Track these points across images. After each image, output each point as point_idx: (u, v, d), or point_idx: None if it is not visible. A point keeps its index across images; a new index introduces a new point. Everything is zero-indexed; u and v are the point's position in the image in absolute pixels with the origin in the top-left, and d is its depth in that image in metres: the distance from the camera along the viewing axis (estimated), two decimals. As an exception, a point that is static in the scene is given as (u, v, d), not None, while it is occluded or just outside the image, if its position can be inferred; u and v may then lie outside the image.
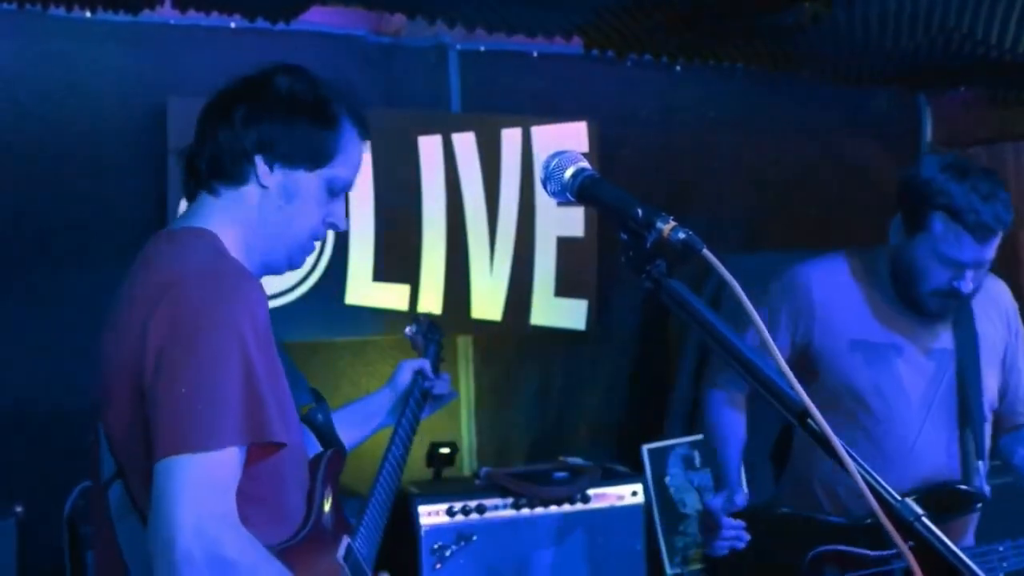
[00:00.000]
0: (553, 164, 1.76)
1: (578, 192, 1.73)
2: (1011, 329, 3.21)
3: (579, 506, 4.59)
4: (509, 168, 5.15)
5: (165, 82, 4.53)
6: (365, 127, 2.20)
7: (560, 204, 4.84)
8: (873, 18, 4.29)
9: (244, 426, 1.84)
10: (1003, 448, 3.19)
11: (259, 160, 2.08)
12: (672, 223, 1.61)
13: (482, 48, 5.12)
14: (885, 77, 5.43)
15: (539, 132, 5.17)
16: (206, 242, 2.06)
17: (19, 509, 3.62)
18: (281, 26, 4.58)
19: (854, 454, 1.42)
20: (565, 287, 5.27)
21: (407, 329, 3.21)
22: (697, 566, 4.94)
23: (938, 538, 1.37)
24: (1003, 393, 3.19)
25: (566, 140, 5.14)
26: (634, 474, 4.91)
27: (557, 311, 5.26)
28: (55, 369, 4.31)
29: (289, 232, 2.14)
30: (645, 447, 5.06)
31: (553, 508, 4.55)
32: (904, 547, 1.35)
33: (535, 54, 5.20)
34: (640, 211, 1.63)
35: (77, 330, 4.33)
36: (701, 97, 5.65)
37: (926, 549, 1.37)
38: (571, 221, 5.28)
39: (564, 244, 5.26)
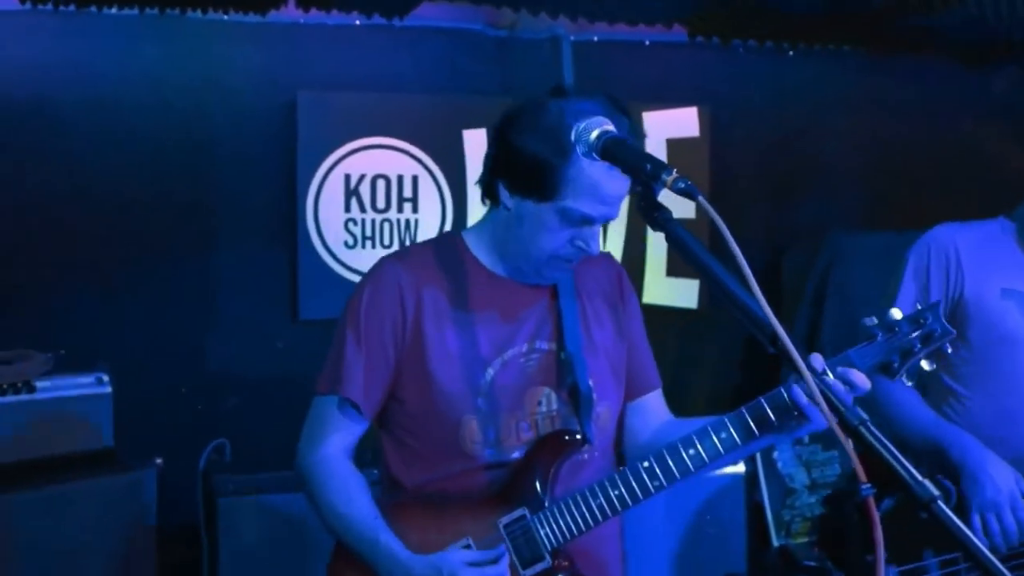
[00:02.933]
0: (581, 127, 2.01)
1: (601, 150, 1.98)
2: None
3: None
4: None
5: (295, 77, 4.88)
6: (615, 157, 2.00)
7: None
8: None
9: (332, 381, 2.36)
10: None
11: (500, 186, 2.30)
12: (675, 175, 1.84)
13: (595, 38, 5.30)
14: (1006, 55, 5.36)
15: (650, 117, 5.33)
16: (428, 243, 2.48)
17: (159, 461, 3.92)
18: (399, 22, 4.86)
19: (811, 364, 1.61)
20: (677, 268, 5.42)
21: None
22: (803, 539, 5.02)
23: (883, 444, 1.55)
24: None
25: (677, 125, 5.30)
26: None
27: (669, 290, 5.43)
28: (194, 337, 4.76)
29: (526, 250, 2.30)
30: (753, 421, 5.14)
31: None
32: (848, 447, 1.54)
33: (647, 43, 5.37)
34: (649, 165, 1.86)
35: (213, 304, 4.80)
36: (814, 80, 5.68)
37: (872, 454, 1.55)
38: (683, 203, 5.33)
39: (684, 227, 5.38)
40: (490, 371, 2.34)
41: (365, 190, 5.02)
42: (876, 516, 1.50)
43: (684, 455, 2.23)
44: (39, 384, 3.78)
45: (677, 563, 4.63)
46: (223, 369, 4.76)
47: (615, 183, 2.18)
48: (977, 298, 3.03)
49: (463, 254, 2.41)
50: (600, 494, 2.26)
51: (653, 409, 2.58)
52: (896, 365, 2.20)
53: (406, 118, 5.06)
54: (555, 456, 2.33)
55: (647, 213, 1.90)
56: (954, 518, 1.47)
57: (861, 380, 2.09)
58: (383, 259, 2.43)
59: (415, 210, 5.10)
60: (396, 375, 2.36)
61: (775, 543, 5.02)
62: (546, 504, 2.29)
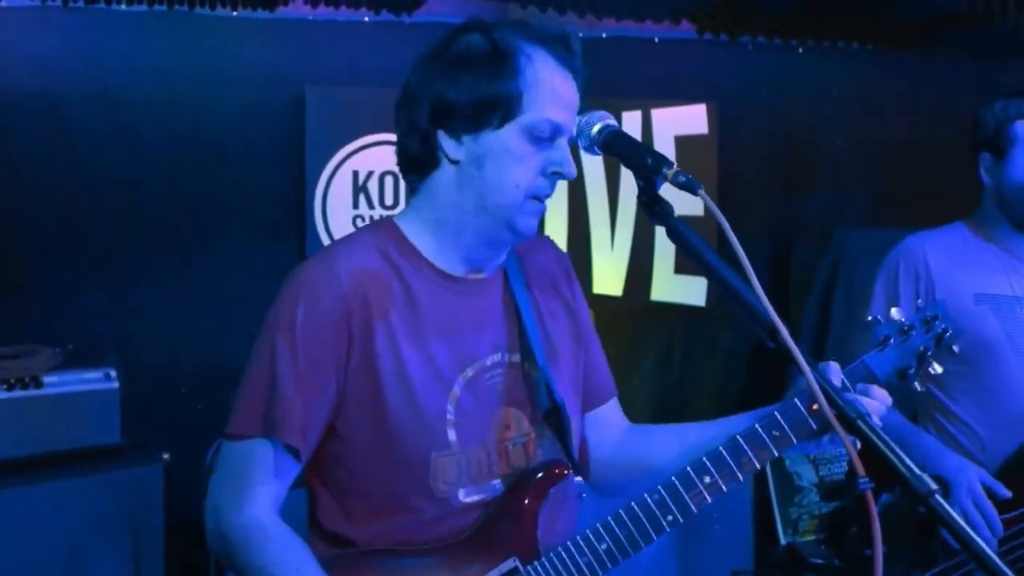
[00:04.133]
0: (583, 121, 2.00)
1: (603, 144, 1.97)
2: None
3: (689, 471, 4.73)
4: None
5: (303, 73, 4.89)
6: (563, 52, 1.97)
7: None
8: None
9: (260, 420, 1.92)
10: None
11: (442, 136, 1.97)
12: (675, 168, 1.83)
13: (604, 35, 5.30)
14: (1013, 52, 5.36)
15: (659, 115, 5.33)
16: (354, 236, 2.06)
17: (166, 456, 3.90)
18: (408, 18, 4.87)
19: (811, 361, 1.60)
20: (685, 264, 5.40)
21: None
22: (811, 537, 5.02)
23: (880, 437, 1.55)
24: None
25: (686, 122, 5.29)
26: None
27: (677, 287, 5.42)
28: (201, 333, 4.76)
29: (494, 200, 1.96)
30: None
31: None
32: (847, 440, 1.54)
33: (656, 40, 5.36)
34: (649, 159, 1.85)
35: (221, 299, 4.79)
36: (823, 76, 5.69)
37: (869, 448, 1.54)
38: (691, 199, 5.38)
39: (684, 222, 5.38)
40: (455, 393, 1.99)
41: (374, 187, 5.02)
42: (874, 510, 1.50)
43: (699, 483, 1.96)
44: (46, 379, 3.75)
45: (683, 561, 4.62)
46: (231, 365, 4.72)
47: (568, 84, 1.99)
48: (952, 307, 3.02)
49: (403, 247, 2.02)
50: (606, 536, 1.96)
51: (611, 420, 2.30)
52: (912, 371, 2.10)
53: (414, 114, 5.03)
54: (541, 491, 2.02)
55: (648, 207, 1.91)
56: (952, 512, 1.46)
57: (883, 397, 1.97)
58: (313, 262, 1.99)
59: (423, 207, 5.07)
60: (337, 409, 1.95)
61: (782, 541, 5.02)
62: (540, 550, 1.99)
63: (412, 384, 1.95)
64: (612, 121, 2.01)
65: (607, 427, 2.29)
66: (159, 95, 4.71)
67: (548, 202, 2.03)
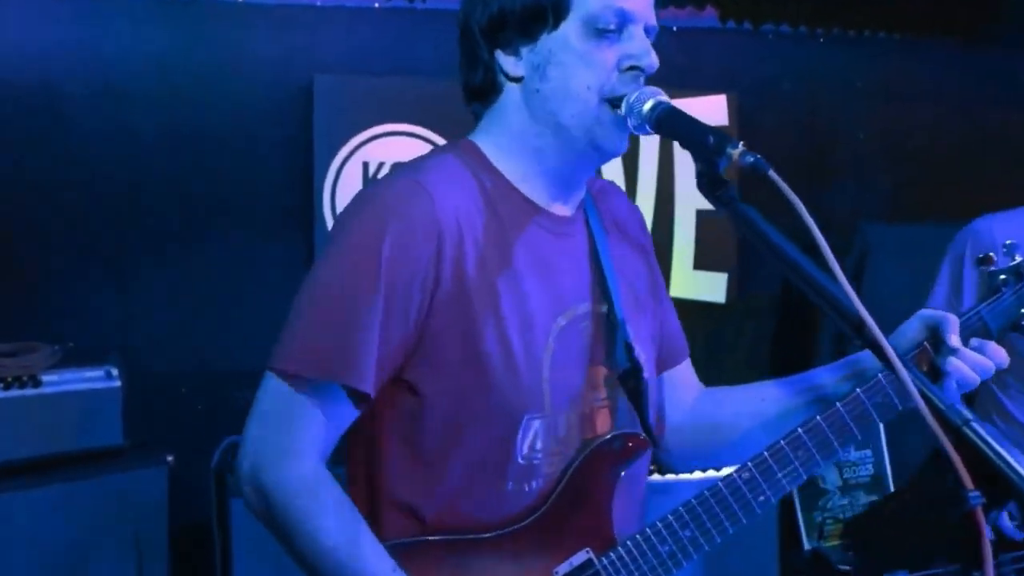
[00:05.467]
0: (633, 98, 1.80)
1: (656, 123, 1.78)
2: None
3: (711, 473, 4.59)
4: (648, 141, 5.17)
5: (311, 61, 4.72)
6: (673, 130, 1.77)
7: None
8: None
9: (327, 358, 1.68)
10: None
11: (500, 56, 1.82)
12: (741, 147, 1.66)
13: (622, 23, 5.14)
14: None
15: (678, 105, 5.16)
16: (435, 155, 1.88)
17: (170, 459, 3.76)
18: (421, 4, 4.72)
19: (905, 360, 1.43)
20: (704, 260, 5.27)
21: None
22: (835, 542, 4.88)
23: (987, 443, 1.38)
24: None
25: (705, 113, 5.12)
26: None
27: (696, 284, 5.27)
28: (205, 330, 4.60)
29: (566, 110, 1.78)
30: (785, 419, 5.00)
31: (684, 476, 4.55)
32: (950, 449, 1.37)
33: (675, 28, 5.20)
34: (712, 138, 1.68)
35: (227, 296, 4.63)
36: (845, 67, 5.54)
37: (974, 455, 1.38)
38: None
39: (703, 217, 5.25)
40: (550, 345, 1.78)
41: (384, 178, 4.84)
42: (985, 528, 1.33)
43: (794, 459, 1.79)
44: (45, 378, 3.60)
45: (706, 567, 4.47)
46: (237, 363, 4.59)
47: None
48: None
49: (488, 170, 1.83)
50: (690, 521, 1.77)
51: (686, 382, 2.13)
52: None
53: (427, 104, 4.87)
54: (616, 469, 1.82)
55: (710, 191, 1.71)
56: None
57: (1000, 356, 1.80)
58: (395, 179, 1.78)
59: (435, 199, 4.93)
60: (414, 350, 1.72)
61: (807, 546, 4.88)
62: (616, 539, 1.80)
63: (509, 333, 1.74)
64: (665, 97, 1.82)
65: (682, 389, 2.11)
66: (160, 85, 4.55)
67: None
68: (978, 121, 5.73)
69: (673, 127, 1.77)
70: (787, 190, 1.58)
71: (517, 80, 1.82)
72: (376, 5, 4.79)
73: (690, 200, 5.25)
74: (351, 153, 4.79)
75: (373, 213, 1.73)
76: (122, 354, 3.91)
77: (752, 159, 1.63)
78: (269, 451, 1.73)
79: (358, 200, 1.79)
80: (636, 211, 2.12)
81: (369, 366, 1.68)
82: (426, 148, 4.89)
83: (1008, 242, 1.99)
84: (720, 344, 5.42)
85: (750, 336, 5.48)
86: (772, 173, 1.61)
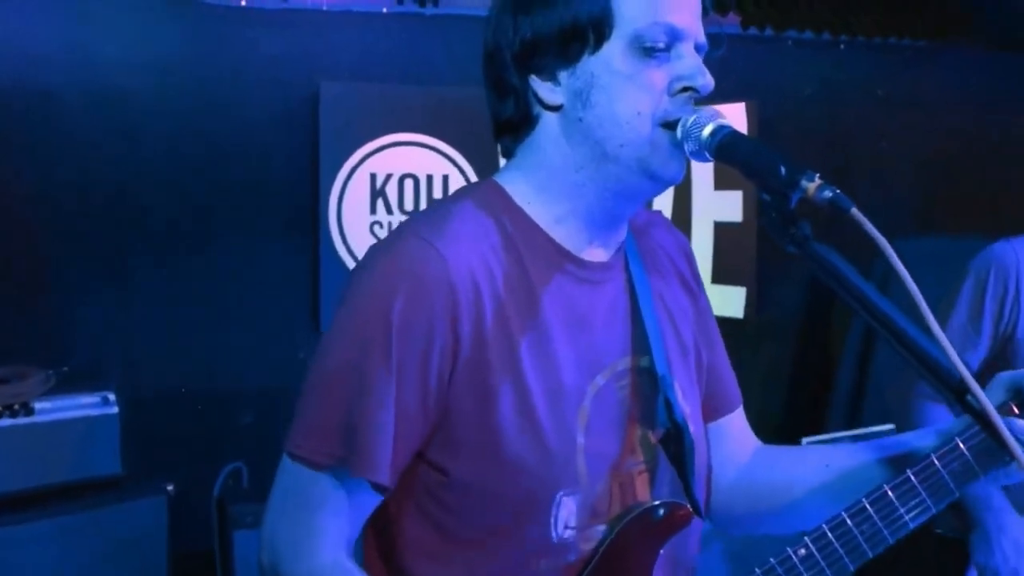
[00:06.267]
0: (691, 122, 1.59)
1: (717, 150, 1.56)
2: None
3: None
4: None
5: (318, 67, 4.58)
6: (736, 159, 1.55)
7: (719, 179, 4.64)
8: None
9: (340, 447, 1.52)
10: None
11: (535, 83, 1.61)
12: (818, 181, 1.46)
13: (641, 28, 5.00)
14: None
15: (694, 107, 5.02)
16: (453, 202, 1.65)
17: (170, 488, 3.62)
18: (432, 9, 4.56)
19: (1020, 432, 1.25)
20: (722, 274, 5.11)
21: None
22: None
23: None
24: None
25: (703, 107, 4.98)
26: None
27: (714, 298, 5.03)
28: (208, 350, 4.44)
29: (615, 139, 1.58)
30: (805, 440, 4.84)
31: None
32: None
33: (694, 34, 5.05)
34: (784, 168, 1.47)
35: (229, 313, 4.46)
36: (867, 74, 5.41)
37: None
38: (729, 205, 5.10)
39: (722, 229, 5.09)
40: (585, 409, 1.60)
41: (392, 190, 4.71)
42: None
43: (856, 534, 1.61)
44: (38, 406, 3.46)
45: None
46: (239, 384, 4.45)
47: None
48: None
49: (516, 216, 1.63)
50: None
51: (738, 435, 1.92)
52: None
53: (437, 113, 4.74)
54: (657, 542, 1.64)
55: (779, 229, 1.49)
56: None
57: None
58: (406, 237, 1.56)
59: (446, 212, 4.77)
60: (435, 431, 1.55)
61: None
62: None
63: (534, 404, 1.55)
64: (726, 121, 1.61)
65: (733, 443, 1.91)
66: (161, 91, 4.40)
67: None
68: (1004, 128, 5.58)
69: (737, 155, 1.55)
70: (875, 232, 1.40)
71: (555, 109, 1.62)
72: (384, 10, 4.63)
73: (708, 211, 5.09)
74: (358, 164, 4.65)
75: (383, 278, 1.54)
76: (120, 376, 3.79)
77: (831, 194, 1.43)
78: (287, 542, 1.58)
79: (367, 261, 1.59)
80: (684, 244, 1.91)
81: (384, 455, 1.51)
82: (437, 159, 4.77)
83: None
84: (737, 361, 5.21)
85: (769, 352, 5.32)
86: (855, 211, 1.42)
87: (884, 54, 5.38)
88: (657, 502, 1.65)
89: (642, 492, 1.66)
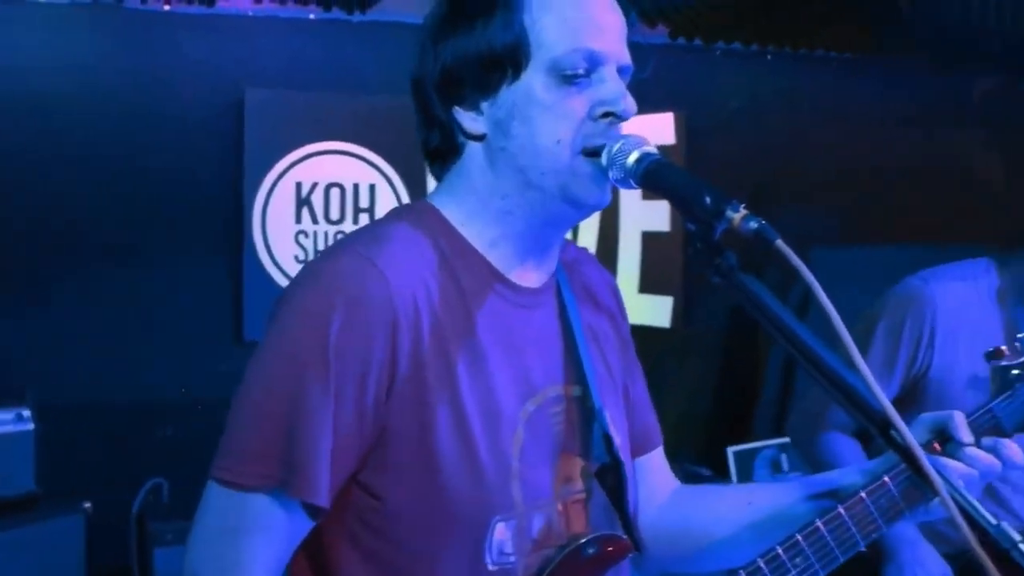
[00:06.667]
0: (616, 148, 1.57)
1: (643, 178, 1.54)
2: None
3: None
4: (592, 158, 5.04)
5: (243, 73, 4.53)
6: (662, 187, 1.53)
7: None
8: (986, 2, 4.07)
9: (272, 469, 1.46)
10: None
11: (458, 113, 1.59)
12: (743, 211, 1.43)
13: (567, 38, 4.99)
14: (989, 61, 5.19)
15: (624, 124, 5.02)
16: (387, 222, 1.62)
17: (87, 505, 3.55)
18: (360, 17, 4.51)
19: (942, 469, 1.25)
20: (650, 284, 5.13)
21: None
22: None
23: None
24: None
25: (652, 132, 4.96)
26: (718, 477, 4.74)
27: (640, 308, 5.11)
28: (127, 362, 4.35)
29: (536, 168, 1.56)
30: (731, 449, 4.88)
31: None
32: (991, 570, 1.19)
33: (622, 44, 5.06)
34: (709, 198, 1.45)
35: (149, 325, 4.38)
36: (793, 86, 5.47)
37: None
38: (656, 215, 5.12)
39: (649, 239, 5.11)
40: (519, 435, 1.57)
41: (318, 199, 4.66)
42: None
43: (790, 567, 1.61)
44: (-52, 424, 3.38)
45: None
46: (159, 397, 4.37)
47: None
48: (939, 382, 2.72)
49: (450, 237, 1.60)
50: None
51: (659, 474, 1.89)
52: None
53: (364, 121, 4.71)
54: (597, 573, 1.62)
55: (704, 259, 1.48)
56: None
57: (1017, 456, 1.64)
58: (342, 253, 1.53)
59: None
60: (370, 452, 1.50)
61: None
62: None
63: (471, 428, 1.52)
64: (651, 148, 1.60)
65: (654, 482, 1.86)
66: (83, 97, 4.34)
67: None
68: (927, 142, 5.67)
69: (663, 183, 1.54)
70: (799, 264, 1.38)
71: (479, 138, 1.60)
72: (312, 16, 4.57)
73: (635, 221, 5.11)
74: (283, 172, 4.60)
75: (320, 293, 1.48)
76: (35, 391, 3.69)
77: (756, 225, 1.41)
78: (214, 572, 1.50)
79: (302, 277, 1.55)
80: (611, 281, 1.90)
81: (322, 475, 1.45)
82: (364, 168, 4.73)
83: (1020, 335, 1.86)
84: (664, 371, 5.27)
85: (695, 362, 5.35)
86: (780, 243, 1.40)
87: (811, 66, 5.43)
88: (596, 535, 1.63)
89: (579, 522, 1.64)
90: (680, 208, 1.50)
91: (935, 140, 5.69)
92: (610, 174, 1.57)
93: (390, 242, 1.53)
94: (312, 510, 1.47)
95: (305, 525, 1.50)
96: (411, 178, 4.77)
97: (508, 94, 1.56)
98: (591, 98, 1.55)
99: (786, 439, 4.77)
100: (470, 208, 1.62)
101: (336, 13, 4.45)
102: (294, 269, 4.55)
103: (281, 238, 4.58)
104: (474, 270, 1.59)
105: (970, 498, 1.26)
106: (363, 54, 4.65)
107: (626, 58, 1.60)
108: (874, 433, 1.34)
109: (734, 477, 4.79)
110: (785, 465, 4.89)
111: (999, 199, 5.87)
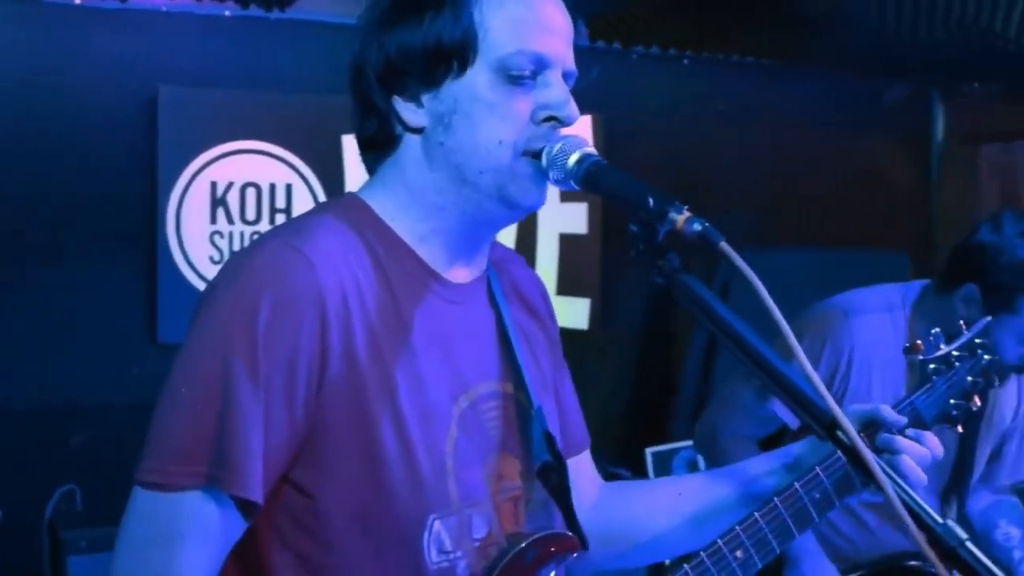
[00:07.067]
0: (556, 149, 1.57)
1: (583, 180, 1.55)
2: (1021, 396, 3.04)
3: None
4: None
5: (157, 71, 4.42)
6: (603, 188, 1.54)
7: (564, 192, 4.66)
8: (891, 8, 4.15)
9: (201, 465, 1.40)
10: (983, 517, 3.04)
11: (398, 103, 1.57)
12: (687, 213, 1.45)
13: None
14: (901, 70, 5.31)
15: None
16: (314, 214, 1.59)
17: None
18: (276, 14, 4.44)
19: (890, 471, 1.27)
20: (567, 285, 5.15)
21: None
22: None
23: (984, 566, 1.23)
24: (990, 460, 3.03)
25: (570, 133, 5.01)
26: (637, 478, 4.77)
27: (558, 310, 5.05)
28: (36, 363, 4.22)
29: (474, 167, 1.55)
30: (649, 450, 4.91)
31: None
32: (940, 570, 1.21)
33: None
34: (652, 200, 1.47)
35: (59, 326, 4.26)
36: (710, 90, 5.53)
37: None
38: (574, 218, 5.15)
39: (567, 241, 5.12)
40: (452, 431, 1.55)
41: (233, 199, 4.58)
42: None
43: (730, 559, 1.65)
44: None
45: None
46: (70, 401, 4.24)
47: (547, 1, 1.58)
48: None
49: (380, 230, 1.59)
50: None
51: (587, 475, 1.90)
52: (955, 413, 1.85)
53: (280, 120, 4.64)
54: (536, 570, 1.59)
55: (647, 260, 1.48)
56: None
57: (937, 446, 1.68)
58: (270, 243, 1.50)
59: (289, 222, 4.66)
60: (302, 448, 1.46)
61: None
62: None
63: (408, 428, 1.49)
64: (592, 149, 1.60)
65: (584, 484, 1.85)
66: (-12, 92, 4.19)
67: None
68: (840, 147, 5.78)
69: (604, 185, 1.54)
70: (744, 267, 1.39)
71: (417, 131, 1.58)
72: (227, 13, 4.48)
73: (553, 223, 5.12)
74: (198, 171, 4.51)
75: (245, 284, 1.45)
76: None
77: (700, 227, 1.42)
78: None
79: (226, 270, 1.51)
80: (540, 282, 1.91)
81: (255, 471, 1.41)
82: (280, 168, 4.66)
83: (934, 330, 1.94)
84: (582, 372, 5.24)
85: (613, 363, 5.38)
86: (724, 245, 1.42)
87: (728, 71, 5.50)
88: (541, 535, 1.62)
89: (513, 520, 1.63)
90: (623, 209, 1.51)
91: (848, 146, 5.80)
92: (550, 175, 1.57)
93: (315, 232, 1.51)
94: (246, 507, 1.43)
95: (239, 525, 1.46)
96: (328, 179, 4.71)
97: (451, 89, 1.55)
98: (535, 100, 1.56)
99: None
100: (401, 202, 1.60)
101: (253, 10, 4.38)
102: (209, 270, 4.46)
103: (196, 239, 4.48)
104: (403, 264, 1.58)
105: (916, 497, 1.27)
106: (280, 52, 4.58)
107: (571, 63, 1.62)
108: (821, 434, 1.35)
109: (652, 478, 4.83)
110: (702, 466, 4.93)
111: (909, 204, 6.02)
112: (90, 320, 4.31)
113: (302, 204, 4.66)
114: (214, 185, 4.53)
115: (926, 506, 1.27)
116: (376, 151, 1.63)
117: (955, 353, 1.90)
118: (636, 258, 1.50)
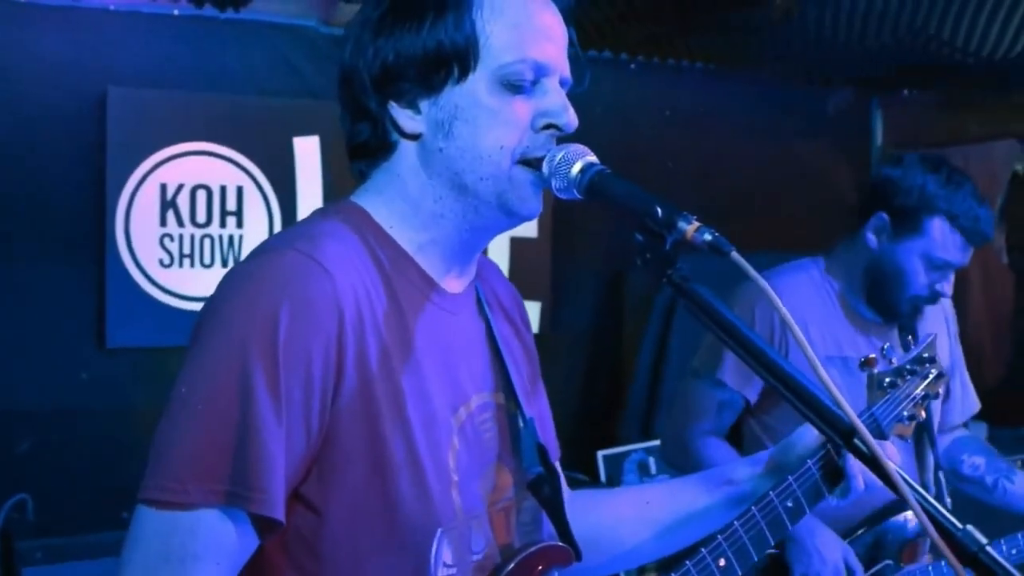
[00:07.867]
0: (559, 158, 1.58)
1: (587, 189, 1.56)
2: (950, 334, 3.16)
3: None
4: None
5: (105, 71, 4.33)
6: (608, 197, 1.55)
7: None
8: (843, 17, 4.22)
9: (218, 482, 1.36)
10: (947, 455, 3.13)
11: (394, 109, 1.56)
12: (696, 223, 1.47)
13: (435, 41, 4.96)
14: (847, 78, 5.39)
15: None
16: (322, 219, 1.57)
17: None
18: (229, 14, 4.38)
19: (908, 478, 1.29)
20: (518, 289, 5.13)
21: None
22: None
23: (1004, 568, 1.25)
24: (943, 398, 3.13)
25: (570, 143, 5.02)
26: (588, 481, 4.78)
27: (509, 314, 5.12)
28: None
29: (474, 172, 1.54)
30: (600, 453, 4.93)
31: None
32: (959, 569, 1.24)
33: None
34: (660, 209, 1.47)
35: (5, 330, 4.16)
36: (655, 95, 5.57)
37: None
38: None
39: (517, 245, 5.12)
40: (454, 443, 1.54)
41: (183, 202, 4.50)
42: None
43: (714, 567, 1.70)
44: None
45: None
46: (17, 407, 4.14)
47: (545, 9, 1.58)
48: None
49: (382, 240, 1.57)
50: None
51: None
52: (907, 421, 1.94)
53: (231, 122, 4.58)
54: None
55: (655, 270, 1.48)
56: None
57: (896, 455, 1.70)
58: (284, 247, 1.46)
59: (239, 225, 4.60)
60: (314, 462, 1.43)
61: (624, 582, 4.80)
62: None
63: (414, 437, 1.48)
64: (594, 158, 1.61)
65: None
66: (-71, 91, 4.07)
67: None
68: (785, 152, 5.85)
69: (610, 194, 1.55)
70: (756, 275, 1.41)
71: (413, 138, 1.57)
72: (176, 12, 4.41)
73: (503, 227, 5.13)
74: (148, 173, 4.42)
75: (261, 292, 1.40)
76: None
77: (711, 237, 1.44)
78: None
79: (234, 279, 1.46)
80: (517, 293, 1.92)
81: (277, 484, 1.37)
82: (231, 170, 4.59)
83: (884, 346, 2.06)
84: (534, 375, 5.29)
85: (563, 366, 5.37)
86: (736, 255, 1.43)
87: (672, 75, 5.53)
88: (538, 546, 1.63)
89: (505, 532, 1.63)
90: (628, 219, 1.52)
91: (789, 150, 5.88)
92: (552, 183, 1.57)
93: (326, 239, 1.49)
94: (264, 525, 1.40)
95: (253, 544, 1.42)
96: (279, 181, 4.66)
97: (452, 95, 1.54)
98: (534, 108, 1.56)
99: (654, 442, 4.86)
100: (400, 210, 1.59)
101: (205, 10, 4.31)
102: (159, 273, 4.39)
103: (145, 241, 4.40)
104: (407, 274, 1.57)
105: (936, 503, 1.29)
106: (231, 53, 4.51)
107: (568, 70, 1.63)
108: (837, 442, 1.37)
109: (603, 481, 4.85)
110: (653, 468, 4.97)
111: (848, 208, 6.10)
112: (37, 324, 4.21)
113: (253, 206, 4.60)
114: (164, 187, 4.45)
115: (945, 511, 1.29)
116: (368, 158, 1.62)
117: (907, 367, 2.01)
118: (643, 268, 1.51)
